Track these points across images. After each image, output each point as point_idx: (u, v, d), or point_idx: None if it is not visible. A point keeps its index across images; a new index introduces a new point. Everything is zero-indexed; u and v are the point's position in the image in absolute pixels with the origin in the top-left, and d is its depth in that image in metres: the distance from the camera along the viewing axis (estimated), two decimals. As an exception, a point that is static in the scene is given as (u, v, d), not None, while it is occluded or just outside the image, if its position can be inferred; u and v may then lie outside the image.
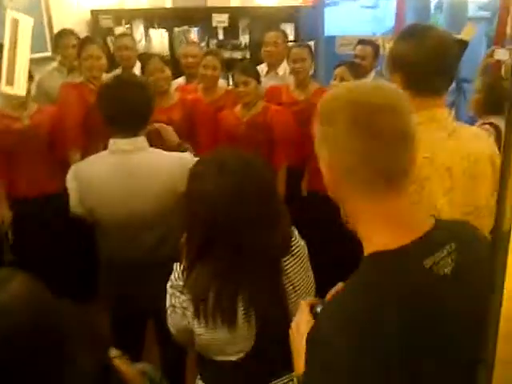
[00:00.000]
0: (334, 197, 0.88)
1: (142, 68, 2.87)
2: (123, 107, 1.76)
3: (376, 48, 3.25)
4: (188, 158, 1.87)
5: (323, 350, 0.76)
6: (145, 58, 3.08)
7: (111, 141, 1.83)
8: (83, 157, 2.69)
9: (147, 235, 1.84)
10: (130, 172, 1.79)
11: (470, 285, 0.77)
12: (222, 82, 3.35)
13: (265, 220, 1.22)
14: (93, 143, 2.66)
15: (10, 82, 1.81)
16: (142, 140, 1.83)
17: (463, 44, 2.20)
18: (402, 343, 0.72)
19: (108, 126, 1.82)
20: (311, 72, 3.12)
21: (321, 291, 1.42)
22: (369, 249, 0.82)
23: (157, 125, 2.47)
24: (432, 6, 7.99)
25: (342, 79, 2.67)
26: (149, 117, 1.85)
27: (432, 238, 0.81)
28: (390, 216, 0.80)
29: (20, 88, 1.85)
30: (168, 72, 2.81)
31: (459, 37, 2.14)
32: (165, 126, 2.46)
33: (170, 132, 2.43)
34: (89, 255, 2.00)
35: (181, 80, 3.45)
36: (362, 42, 3.27)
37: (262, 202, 1.21)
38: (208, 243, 1.23)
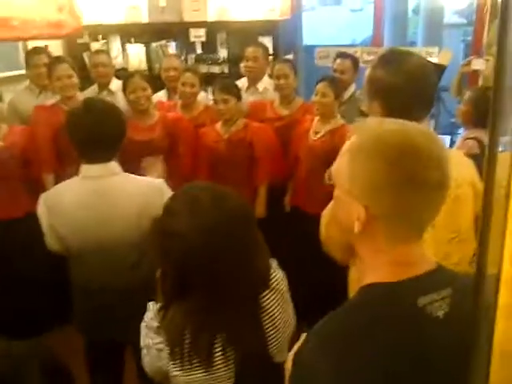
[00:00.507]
0: (346, 228, 0.83)
1: (124, 86, 2.81)
2: (92, 136, 1.71)
3: (355, 61, 3.21)
4: (162, 183, 1.84)
5: (303, 369, 0.78)
6: (125, 75, 3.03)
7: (83, 166, 1.78)
8: (57, 179, 2.63)
9: (120, 260, 1.79)
10: (102, 197, 1.75)
11: (458, 334, 0.74)
12: (202, 96, 3.29)
13: (241, 256, 1.17)
14: (66, 165, 2.63)
15: None
16: (114, 165, 1.79)
17: (441, 68, 2.19)
18: (376, 371, 0.73)
19: (78, 155, 1.77)
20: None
21: (305, 310, 1.40)
22: (368, 281, 0.82)
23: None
24: (409, 10, 8.13)
25: (324, 95, 2.66)
26: (120, 141, 1.80)
27: (431, 279, 0.81)
28: (402, 257, 0.81)
29: None
30: (149, 90, 2.79)
31: (436, 62, 2.13)
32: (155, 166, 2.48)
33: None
34: (66, 274, 1.94)
35: (162, 94, 3.39)
36: (340, 55, 3.21)
37: (236, 239, 1.15)
38: (182, 282, 1.18)
